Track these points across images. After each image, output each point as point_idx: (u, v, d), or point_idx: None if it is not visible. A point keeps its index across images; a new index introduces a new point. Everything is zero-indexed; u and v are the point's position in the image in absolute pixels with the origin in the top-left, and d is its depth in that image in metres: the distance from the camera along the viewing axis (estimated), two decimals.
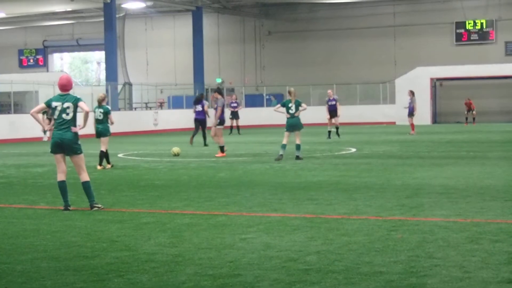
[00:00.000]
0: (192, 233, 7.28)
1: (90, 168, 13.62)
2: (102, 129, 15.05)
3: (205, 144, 22.50)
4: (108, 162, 15.11)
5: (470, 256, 5.94)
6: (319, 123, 36.76)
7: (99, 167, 14.87)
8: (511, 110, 39.65)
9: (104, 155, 14.98)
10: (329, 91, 26.27)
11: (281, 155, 16.02)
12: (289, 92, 16.25)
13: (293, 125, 15.95)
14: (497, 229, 7.11)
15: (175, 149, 18.03)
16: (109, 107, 15.52)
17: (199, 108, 23.71)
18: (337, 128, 25.51)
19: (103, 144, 14.98)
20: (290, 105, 15.95)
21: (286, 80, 43.37)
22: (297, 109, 15.93)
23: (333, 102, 25.33)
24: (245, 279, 5.35)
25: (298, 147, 16.07)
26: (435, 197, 9.60)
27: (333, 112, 25.23)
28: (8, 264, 6.04)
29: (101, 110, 15.03)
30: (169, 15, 46.87)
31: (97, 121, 15.10)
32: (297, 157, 16.04)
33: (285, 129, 16.12)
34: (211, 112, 20.97)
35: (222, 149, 17.85)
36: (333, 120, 25.30)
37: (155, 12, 45.91)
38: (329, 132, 25.11)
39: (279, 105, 16.61)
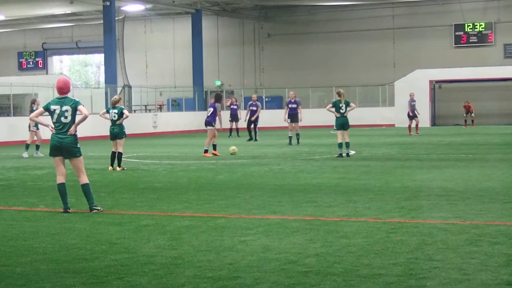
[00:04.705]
0: (192, 235, 7.29)
1: (90, 170, 13.63)
2: (118, 131, 15.08)
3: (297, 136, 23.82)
4: (112, 164, 15.13)
5: (469, 258, 5.95)
6: (318, 126, 36.77)
7: (118, 168, 14.93)
8: (510, 113, 39.64)
9: (120, 156, 15.04)
10: (291, 92, 23.70)
11: (341, 153, 17.18)
12: (339, 94, 17.41)
13: (344, 123, 17.19)
14: (496, 231, 7.12)
15: (232, 149, 18.39)
16: (123, 107, 15.54)
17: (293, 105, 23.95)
18: (297, 134, 23.09)
19: (120, 146, 15.05)
20: (340, 105, 17.12)
21: (285, 82, 43.39)
22: (346, 109, 17.19)
23: (294, 105, 22.90)
24: (244, 281, 5.35)
25: (348, 144, 17.43)
26: (434, 199, 9.61)
27: (293, 116, 22.83)
28: (8, 267, 6.04)
29: (116, 111, 15.08)
30: (169, 17, 46.88)
31: (112, 122, 15.13)
32: (348, 154, 17.24)
33: (336, 128, 17.34)
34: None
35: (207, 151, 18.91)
36: (294, 125, 22.95)
37: (155, 14, 45.93)
38: (290, 137, 23.02)
39: (330, 104, 17.63)
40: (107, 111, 15.47)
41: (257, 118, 26.67)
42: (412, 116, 28.55)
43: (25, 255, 6.47)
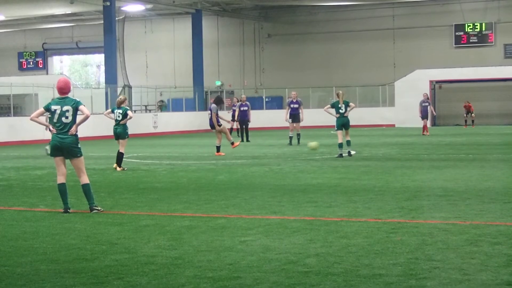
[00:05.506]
0: (192, 235, 7.29)
1: (90, 170, 13.62)
2: (121, 131, 15.17)
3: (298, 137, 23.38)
4: (119, 165, 15.16)
5: (469, 259, 5.95)
6: (319, 126, 36.78)
7: (118, 169, 15.00)
8: (510, 113, 39.64)
9: (121, 157, 15.08)
10: (293, 92, 23.67)
11: (341, 154, 17.24)
12: (338, 95, 17.61)
13: (344, 123, 17.34)
14: (496, 232, 7.12)
15: (313, 145, 18.53)
16: (128, 108, 15.62)
17: (295, 105, 23.51)
18: (298, 134, 23.12)
19: (122, 146, 15.14)
20: (339, 105, 17.25)
21: (286, 82, 43.40)
22: (346, 109, 17.29)
23: (296, 105, 22.96)
24: (244, 281, 5.35)
25: (349, 143, 17.65)
26: (434, 199, 9.61)
27: (295, 116, 22.88)
28: (8, 267, 6.04)
29: (120, 111, 15.19)
30: (169, 18, 46.90)
31: (116, 122, 15.24)
32: (349, 153, 17.43)
33: (336, 129, 17.46)
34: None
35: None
36: (295, 125, 23.01)
37: (155, 15, 45.93)
38: (290, 138, 23.07)
39: (328, 105, 17.88)
40: (112, 111, 15.57)
41: (249, 118, 26.80)
42: (423, 116, 28.44)
43: (25, 255, 6.47)
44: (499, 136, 26.57)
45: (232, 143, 19.16)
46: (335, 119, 17.48)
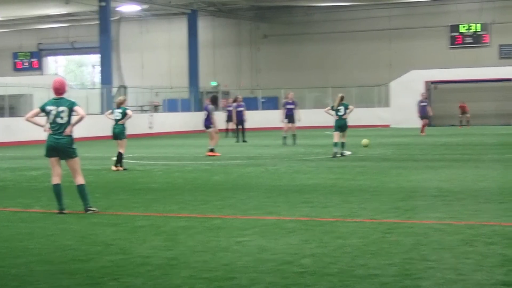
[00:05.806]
0: (187, 236, 7.28)
1: (86, 171, 13.59)
2: (118, 131, 15.28)
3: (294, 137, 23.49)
4: (121, 165, 15.16)
5: (464, 259, 5.96)
6: (315, 126, 36.79)
7: (114, 168, 15.05)
8: (505, 113, 39.72)
9: (120, 157, 15.10)
10: (291, 93, 23.83)
11: (336, 152, 17.40)
12: (337, 97, 17.99)
13: (341, 125, 17.59)
14: (491, 232, 7.14)
15: (365, 142, 18.96)
16: (127, 107, 15.68)
17: (290, 106, 23.52)
18: (294, 135, 23.16)
19: (120, 147, 15.20)
20: (336, 108, 17.64)
21: (282, 83, 43.41)
22: (345, 111, 17.57)
23: (292, 106, 23.06)
24: (240, 282, 5.36)
25: (343, 145, 17.81)
26: (430, 199, 9.63)
27: (291, 117, 23.01)
28: (2, 268, 6.03)
29: (120, 111, 15.33)
30: (164, 18, 46.87)
31: (115, 122, 15.35)
32: (342, 154, 17.63)
33: (334, 130, 17.64)
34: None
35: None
36: (291, 126, 23.10)
37: (150, 15, 45.90)
38: (284, 138, 23.16)
39: (329, 107, 18.22)
40: (112, 112, 15.66)
41: (245, 118, 26.96)
42: (422, 116, 28.44)
43: (20, 256, 6.45)
44: (494, 137, 26.63)
45: (212, 150, 18.86)
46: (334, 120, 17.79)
